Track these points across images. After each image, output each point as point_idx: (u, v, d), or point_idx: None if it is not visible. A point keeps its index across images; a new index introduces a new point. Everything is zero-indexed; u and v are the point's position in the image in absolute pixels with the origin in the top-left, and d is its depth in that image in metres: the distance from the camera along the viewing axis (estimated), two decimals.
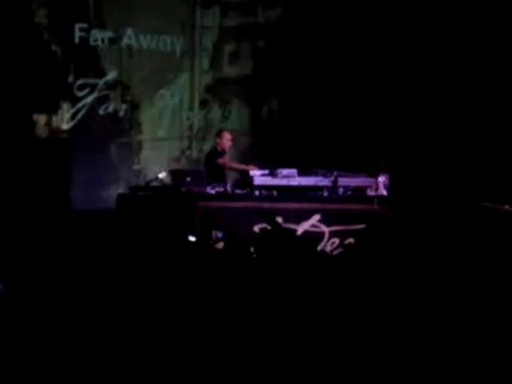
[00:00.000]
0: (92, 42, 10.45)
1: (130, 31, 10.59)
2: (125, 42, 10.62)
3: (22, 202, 9.11)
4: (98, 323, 4.87)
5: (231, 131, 9.54)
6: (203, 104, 10.97)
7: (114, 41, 10.53)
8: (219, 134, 9.43)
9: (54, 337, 4.67)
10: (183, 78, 10.96)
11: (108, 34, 10.50)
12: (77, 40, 10.37)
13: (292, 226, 8.54)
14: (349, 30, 10.94)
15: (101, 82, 10.53)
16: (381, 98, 10.85)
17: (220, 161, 9.16)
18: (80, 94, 10.43)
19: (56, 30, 10.24)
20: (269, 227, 7.57)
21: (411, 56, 10.75)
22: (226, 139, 9.31)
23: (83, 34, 10.36)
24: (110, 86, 10.58)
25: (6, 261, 6.95)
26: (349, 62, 10.95)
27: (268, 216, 7.51)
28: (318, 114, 11.06)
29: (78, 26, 10.35)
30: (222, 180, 8.83)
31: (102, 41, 10.50)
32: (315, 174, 8.90)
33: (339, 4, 10.97)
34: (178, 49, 10.86)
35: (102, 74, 10.54)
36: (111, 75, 10.58)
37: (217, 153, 9.28)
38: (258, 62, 11.18)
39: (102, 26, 10.47)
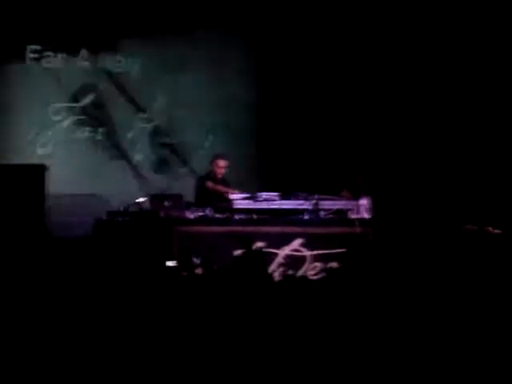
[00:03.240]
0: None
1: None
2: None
3: None
4: (76, 344, 4.81)
5: (226, 158, 9.35)
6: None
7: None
8: (213, 161, 9.32)
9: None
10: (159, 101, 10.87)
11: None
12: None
13: (273, 250, 8.44)
14: (322, 52, 10.94)
15: (77, 106, 10.45)
16: (359, 116, 10.84)
17: (207, 183, 9.07)
18: (55, 118, 10.34)
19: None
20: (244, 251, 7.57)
21: (386, 74, 10.77)
22: (218, 166, 9.20)
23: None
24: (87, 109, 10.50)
25: None
26: (325, 79, 10.94)
27: (244, 241, 7.47)
28: (297, 135, 11.03)
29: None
30: (209, 204, 8.71)
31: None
32: (296, 198, 8.82)
33: (311, 27, 10.96)
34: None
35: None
36: (88, 99, 10.50)
37: (208, 177, 9.20)
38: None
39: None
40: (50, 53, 10.39)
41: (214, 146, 10.77)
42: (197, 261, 7.69)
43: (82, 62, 10.49)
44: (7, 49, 10.13)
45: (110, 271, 7.84)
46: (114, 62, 10.64)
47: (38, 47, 10.34)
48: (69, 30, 10.32)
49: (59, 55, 10.40)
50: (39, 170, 9.28)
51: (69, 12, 10.28)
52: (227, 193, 8.90)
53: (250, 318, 5.13)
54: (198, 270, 7.43)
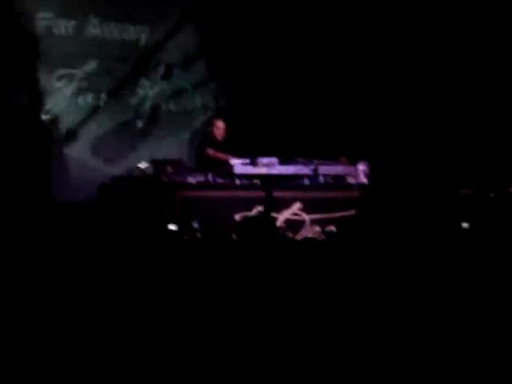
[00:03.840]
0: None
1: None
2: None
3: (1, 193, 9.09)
4: (83, 313, 4.88)
5: (223, 119, 9.49)
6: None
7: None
8: (211, 123, 9.44)
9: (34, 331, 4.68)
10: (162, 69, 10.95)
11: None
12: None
13: (273, 214, 8.57)
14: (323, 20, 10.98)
15: (79, 72, 10.50)
16: (357, 84, 10.89)
17: (207, 150, 9.18)
18: (58, 84, 10.40)
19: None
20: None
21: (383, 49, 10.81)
22: (218, 128, 9.32)
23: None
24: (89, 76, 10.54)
25: None
26: (321, 52, 11.00)
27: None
28: (297, 102, 11.10)
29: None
30: (210, 169, 8.82)
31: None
32: (296, 163, 8.94)
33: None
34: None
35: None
36: (90, 65, 10.55)
37: (208, 141, 9.30)
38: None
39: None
40: (61, 20, 10.43)
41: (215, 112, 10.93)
42: (196, 225, 7.77)
43: (93, 29, 10.56)
44: (18, 16, 10.12)
45: (114, 235, 7.93)
46: (122, 30, 10.73)
47: (50, 15, 10.38)
48: None
49: (70, 22, 10.46)
50: (45, 135, 9.39)
51: None
52: (227, 160, 9.02)
53: (244, 282, 5.21)
54: (198, 234, 7.52)
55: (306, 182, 8.86)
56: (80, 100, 10.51)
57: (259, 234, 6.83)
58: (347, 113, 10.84)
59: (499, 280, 5.23)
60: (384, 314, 4.81)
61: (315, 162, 8.90)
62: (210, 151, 9.18)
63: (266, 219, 7.34)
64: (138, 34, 10.71)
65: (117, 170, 9.69)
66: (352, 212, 8.73)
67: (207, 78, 11.10)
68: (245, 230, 6.87)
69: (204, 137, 9.53)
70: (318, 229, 8.70)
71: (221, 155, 9.14)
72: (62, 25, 10.33)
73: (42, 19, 10.23)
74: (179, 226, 7.80)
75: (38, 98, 10.19)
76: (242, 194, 8.58)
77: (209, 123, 9.60)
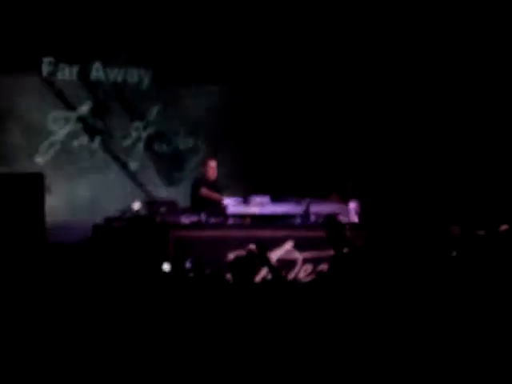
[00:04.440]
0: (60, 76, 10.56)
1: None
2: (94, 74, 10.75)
3: None
4: (74, 348, 4.92)
5: (215, 159, 9.63)
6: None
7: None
8: (204, 163, 9.57)
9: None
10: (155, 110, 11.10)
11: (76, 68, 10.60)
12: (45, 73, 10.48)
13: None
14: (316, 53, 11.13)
15: (74, 114, 10.62)
16: (349, 120, 11.01)
17: (201, 190, 9.28)
18: (53, 127, 10.50)
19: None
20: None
21: (376, 79, 10.93)
22: (210, 167, 9.44)
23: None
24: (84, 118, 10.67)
25: None
26: (317, 83, 11.14)
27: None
28: (287, 139, 11.22)
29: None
30: (204, 208, 8.91)
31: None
32: (287, 202, 9.02)
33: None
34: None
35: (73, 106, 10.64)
36: (84, 108, 10.67)
37: (202, 181, 9.41)
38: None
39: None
40: (64, 65, 10.61)
41: (206, 152, 11.06)
42: (189, 265, 7.80)
43: (96, 73, 10.75)
44: (22, 60, 10.30)
45: (108, 275, 7.95)
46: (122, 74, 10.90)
47: (53, 59, 10.55)
48: (82, 42, 10.55)
49: (74, 67, 10.63)
50: (38, 179, 9.43)
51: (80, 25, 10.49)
52: (220, 199, 9.11)
53: (238, 321, 5.25)
54: (191, 274, 7.54)
55: (298, 220, 8.94)
56: (75, 142, 10.63)
57: (252, 274, 6.85)
58: (338, 149, 10.94)
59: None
60: (379, 355, 4.86)
61: (307, 200, 8.98)
62: (204, 191, 9.28)
63: (261, 258, 7.36)
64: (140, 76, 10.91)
65: (111, 211, 9.74)
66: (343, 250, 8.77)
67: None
68: (238, 270, 6.88)
69: (197, 177, 9.64)
70: (310, 267, 8.76)
71: (214, 195, 9.24)
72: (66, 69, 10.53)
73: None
74: (172, 266, 7.82)
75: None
76: (235, 233, 8.63)
77: (201, 163, 9.72)
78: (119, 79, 10.88)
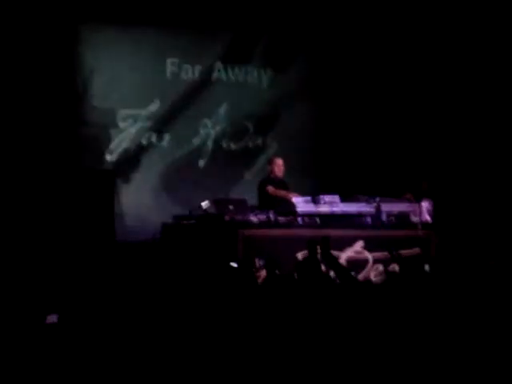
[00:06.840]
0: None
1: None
2: None
3: (67, 233, 9.22)
4: (141, 347, 4.94)
5: (282, 157, 9.60)
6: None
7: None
8: (271, 161, 9.53)
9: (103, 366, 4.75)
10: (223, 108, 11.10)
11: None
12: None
13: (335, 252, 8.52)
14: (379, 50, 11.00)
15: (143, 112, 10.68)
16: (425, 118, 10.83)
17: (268, 188, 9.23)
18: (123, 124, 10.58)
19: None
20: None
21: (449, 76, 10.74)
22: (277, 165, 9.39)
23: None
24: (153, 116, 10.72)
25: (56, 292, 7.06)
26: (390, 81, 11.02)
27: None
28: (359, 137, 11.11)
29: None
30: (272, 207, 8.85)
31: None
32: (358, 201, 8.90)
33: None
34: None
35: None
36: (154, 106, 10.72)
37: (269, 180, 9.36)
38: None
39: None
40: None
41: (276, 151, 11.02)
42: (260, 262, 7.75)
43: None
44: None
45: (177, 273, 7.98)
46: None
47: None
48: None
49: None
50: (110, 176, 9.51)
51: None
52: (288, 197, 9.03)
53: (309, 320, 5.21)
54: (262, 272, 7.50)
55: (368, 220, 8.80)
56: (144, 140, 10.69)
57: (320, 274, 6.77)
58: (413, 148, 10.76)
59: None
60: (452, 356, 4.76)
61: (377, 199, 8.85)
62: (271, 189, 9.23)
63: (327, 259, 7.27)
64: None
65: (179, 209, 9.77)
66: (416, 250, 8.64)
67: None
68: (306, 270, 6.82)
69: (266, 177, 9.58)
70: (381, 268, 8.62)
71: (282, 193, 9.18)
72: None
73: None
74: (241, 265, 7.80)
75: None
76: (304, 232, 8.54)
77: (269, 161, 9.67)
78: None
